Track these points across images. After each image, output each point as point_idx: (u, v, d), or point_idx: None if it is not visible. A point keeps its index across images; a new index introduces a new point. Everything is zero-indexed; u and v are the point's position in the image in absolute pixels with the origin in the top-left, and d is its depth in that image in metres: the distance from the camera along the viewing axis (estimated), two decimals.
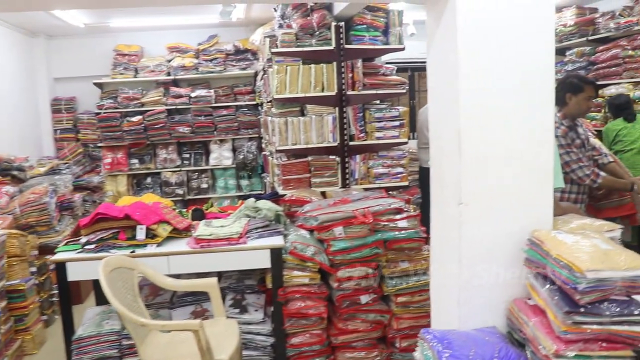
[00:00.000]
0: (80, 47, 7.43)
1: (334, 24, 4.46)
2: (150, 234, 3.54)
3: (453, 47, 1.98)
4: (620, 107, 5.28)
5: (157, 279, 3.28)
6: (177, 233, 3.68)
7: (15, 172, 5.52)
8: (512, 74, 2.02)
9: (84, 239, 3.53)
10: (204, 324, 2.76)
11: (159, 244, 3.53)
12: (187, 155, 7.63)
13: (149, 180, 7.63)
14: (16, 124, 6.57)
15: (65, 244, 3.59)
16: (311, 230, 3.59)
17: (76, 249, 3.51)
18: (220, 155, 7.63)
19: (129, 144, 7.38)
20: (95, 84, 7.36)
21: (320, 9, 4.41)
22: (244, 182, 7.68)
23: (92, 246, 3.48)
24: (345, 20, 4.53)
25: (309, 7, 4.41)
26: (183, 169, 7.58)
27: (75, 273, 3.43)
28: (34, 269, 4.54)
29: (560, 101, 3.67)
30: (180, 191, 7.53)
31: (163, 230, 3.57)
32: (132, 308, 3.04)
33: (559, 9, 6.55)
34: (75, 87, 7.58)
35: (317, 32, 4.45)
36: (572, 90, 3.62)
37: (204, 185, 7.66)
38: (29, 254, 4.51)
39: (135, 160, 7.52)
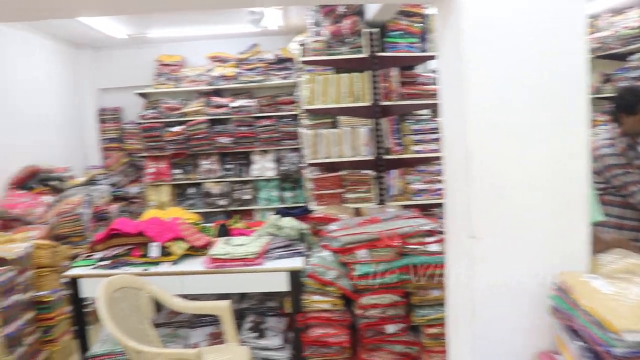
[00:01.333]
0: (124, 58, 7.45)
1: (366, 30, 4.19)
2: (165, 252, 3.39)
3: (458, 52, 1.66)
4: None
5: (165, 300, 3.11)
6: (195, 251, 3.51)
7: (54, 183, 5.53)
8: (534, 86, 1.66)
9: (99, 255, 3.44)
10: (204, 351, 2.56)
11: (174, 262, 3.37)
12: (230, 166, 7.49)
13: (191, 190, 7.54)
14: (63, 134, 6.62)
15: (82, 259, 3.50)
16: (335, 252, 3.34)
17: (91, 264, 3.41)
18: (263, 166, 7.43)
19: (171, 154, 7.32)
20: (138, 94, 7.37)
21: (352, 14, 4.15)
22: (288, 194, 7.44)
23: (107, 262, 3.37)
24: (378, 26, 4.25)
25: (339, 13, 4.16)
26: (225, 179, 7.45)
27: (89, 289, 3.33)
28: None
29: (615, 118, 3.28)
30: (222, 202, 7.39)
31: (178, 248, 3.41)
32: (136, 331, 2.89)
33: (621, 10, 6.04)
34: (120, 97, 7.60)
35: (349, 40, 4.19)
36: (625, 111, 3.20)
37: (247, 197, 7.47)
38: (60, 265, 4.45)
39: (178, 171, 7.44)
